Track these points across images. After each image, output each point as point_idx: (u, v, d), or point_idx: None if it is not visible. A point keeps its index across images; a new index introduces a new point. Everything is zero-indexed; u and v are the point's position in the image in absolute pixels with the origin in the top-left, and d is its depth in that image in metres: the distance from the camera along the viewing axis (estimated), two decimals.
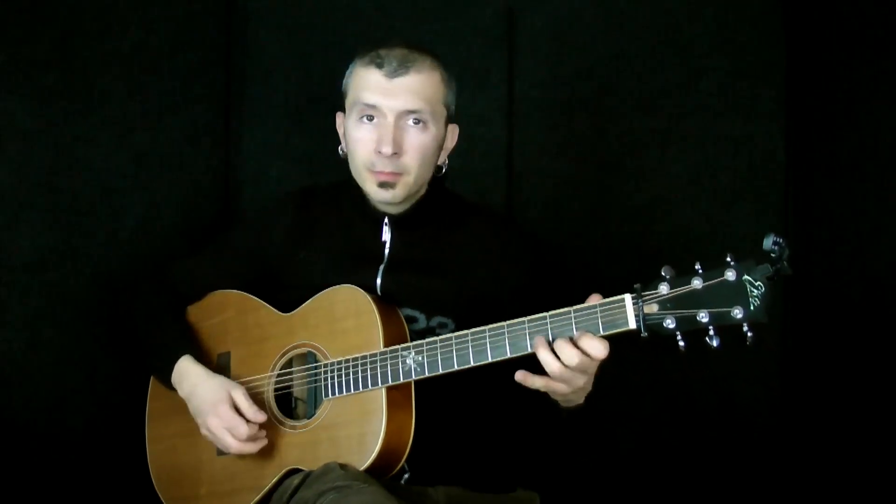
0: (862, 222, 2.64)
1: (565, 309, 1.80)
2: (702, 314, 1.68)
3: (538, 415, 2.03)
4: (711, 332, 1.69)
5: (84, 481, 2.43)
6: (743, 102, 2.81)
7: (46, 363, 2.39)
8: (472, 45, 2.84)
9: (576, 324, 1.79)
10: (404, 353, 1.94)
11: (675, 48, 2.82)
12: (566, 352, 1.78)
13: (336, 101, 2.21)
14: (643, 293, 1.73)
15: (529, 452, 2.04)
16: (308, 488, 1.91)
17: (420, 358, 1.92)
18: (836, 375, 2.66)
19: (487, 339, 1.86)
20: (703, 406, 2.79)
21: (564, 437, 2.21)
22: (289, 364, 2.12)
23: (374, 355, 1.97)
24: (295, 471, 2.02)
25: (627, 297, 1.74)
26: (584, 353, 1.77)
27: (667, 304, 1.71)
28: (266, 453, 2.08)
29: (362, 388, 1.97)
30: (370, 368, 1.96)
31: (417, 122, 2.07)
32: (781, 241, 1.64)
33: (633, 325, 1.73)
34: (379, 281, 2.10)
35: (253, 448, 2.06)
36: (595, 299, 1.80)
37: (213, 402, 2.07)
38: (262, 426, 2.06)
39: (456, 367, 1.89)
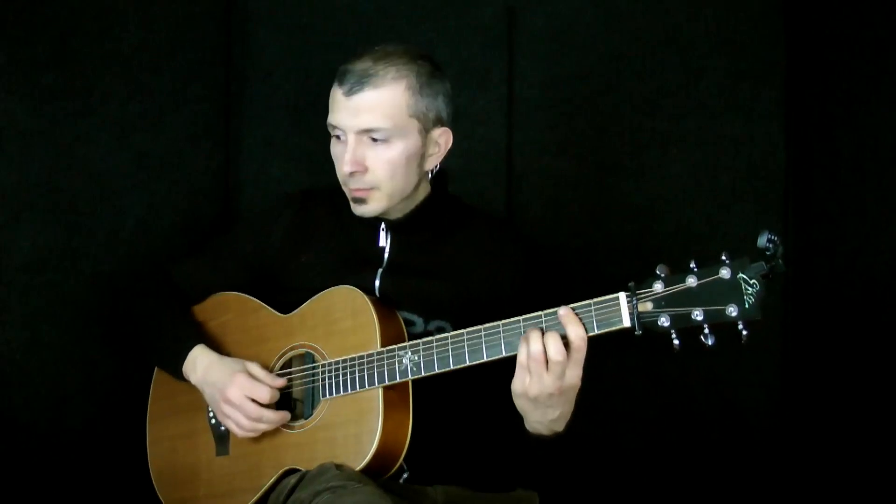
0: (862, 222, 2.64)
1: (560, 307, 1.80)
2: (696, 312, 1.68)
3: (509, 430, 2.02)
4: (706, 331, 1.69)
5: (84, 481, 2.44)
6: (743, 102, 2.81)
7: (46, 363, 2.39)
8: (472, 45, 2.84)
9: None
10: (401, 352, 1.94)
11: (675, 48, 2.82)
12: (552, 343, 1.78)
13: None
14: (637, 291, 1.73)
15: (528, 452, 2.03)
16: (304, 489, 1.91)
17: (416, 357, 1.92)
18: (835, 376, 2.66)
19: (483, 339, 1.86)
20: (703, 406, 2.79)
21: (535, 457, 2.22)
22: (288, 365, 2.12)
23: (371, 355, 1.97)
24: (292, 471, 2.02)
25: (622, 296, 1.74)
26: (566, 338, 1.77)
27: (661, 303, 1.71)
28: (264, 454, 2.08)
29: (359, 387, 1.97)
30: (367, 368, 1.96)
31: (377, 140, 2.05)
32: (776, 238, 1.64)
33: (627, 323, 1.74)
34: (377, 283, 2.10)
35: (273, 417, 2.04)
36: None
37: (231, 374, 2.07)
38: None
39: (452, 367, 1.89)
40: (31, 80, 2.37)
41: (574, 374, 1.80)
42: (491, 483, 2.12)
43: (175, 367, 2.16)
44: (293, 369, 2.11)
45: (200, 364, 2.13)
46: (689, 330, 1.70)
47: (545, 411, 1.86)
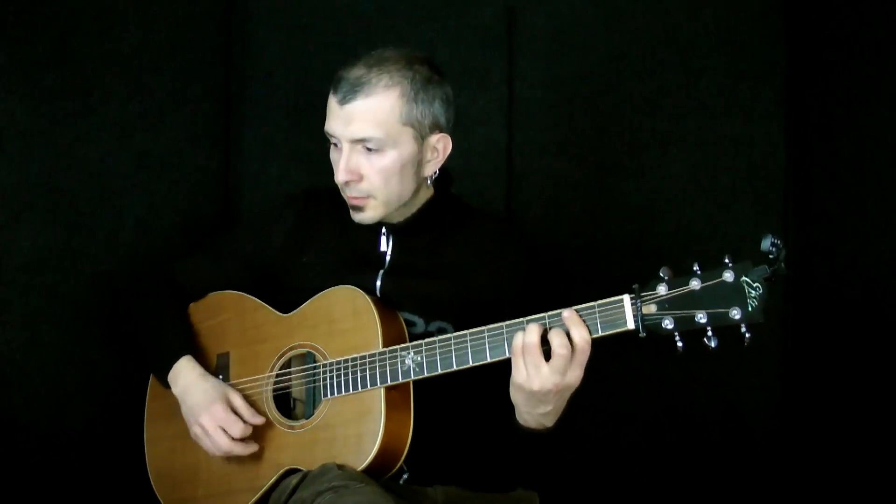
0: (862, 222, 2.64)
1: (564, 309, 1.80)
2: (700, 315, 1.70)
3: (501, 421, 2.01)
4: (709, 333, 1.70)
5: (83, 481, 2.44)
6: (743, 102, 2.81)
7: (46, 363, 2.39)
8: (472, 45, 2.84)
9: None
10: (403, 353, 1.94)
11: (675, 48, 2.82)
12: (556, 338, 1.78)
13: None
14: (641, 294, 1.74)
15: (518, 444, 2.03)
16: (305, 489, 1.91)
17: (419, 358, 1.92)
18: (836, 376, 2.66)
19: (486, 339, 1.86)
20: (703, 407, 2.79)
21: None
22: (288, 364, 2.12)
23: (373, 355, 1.97)
24: (293, 471, 2.01)
25: (626, 298, 1.75)
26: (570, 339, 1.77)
27: (665, 305, 1.72)
28: (264, 454, 2.08)
29: (361, 388, 1.97)
30: (369, 368, 1.96)
31: (371, 149, 2.04)
32: (779, 242, 1.65)
33: (631, 325, 1.74)
34: (378, 284, 2.10)
35: (243, 450, 2.06)
36: None
37: (208, 401, 2.07)
38: (260, 427, 2.07)
39: (455, 367, 1.89)
40: (31, 80, 2.37)
41: (575, 375, 1.80)
42: (491, 483, 2.12)
43: (161, 376, 2.17)
44: (293, 369, 2.11)
45: (182, 380, 2.13)
46: (692, 332, 1.71)
47: (537, 405, 1.86)
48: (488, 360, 1.86)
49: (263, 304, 2.18)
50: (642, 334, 1.74)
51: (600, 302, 1.78)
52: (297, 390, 2.11)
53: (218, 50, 2.83)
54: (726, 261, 1.69)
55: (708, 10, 2.82)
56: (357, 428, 1.96)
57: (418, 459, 2.01)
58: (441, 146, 2.10)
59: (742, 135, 2.80)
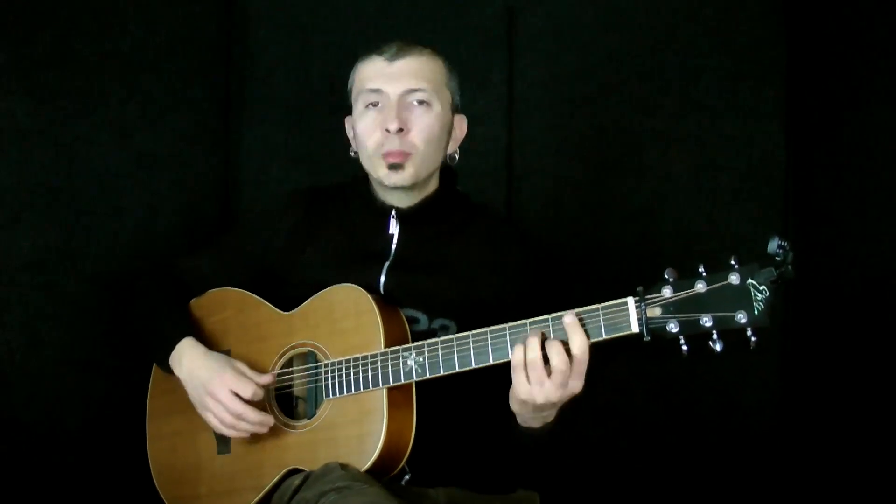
0: (862, 222, 2.65)
1: (567, 314, 1.79)
2: (705, 318, 1.67)
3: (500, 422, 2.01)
4: (714, 337, 1.68)
5: (84, 481, 2.44)
6: (743, 102, 2.81)
7: (46, 363, 2.39)
8: (472, 45, 2.84)
9: None
10: (405, 353, 1.93)
11: (675, 48, 2.82)
12: (555, 353, 1.77)
13: (335, 100, 2.22)
14: (646, 296, 1.72)
15: (518, 446, 2.03)
16: (309, 489, 1.90)
17: (421, 359, 1.92)
18: (836, 376, 2.67)
19: (489, 341, 1.85)
20: (704, 407, 2.80)
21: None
22: (289, 363, 2.11)
23: (375, 356, 1.96)
24: (295, 471, 2.01)
25: (630, 300, 1.73)
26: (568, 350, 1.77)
27: (670, 308, 1.70)
28: (266, 453, 2.07)
29: (363, 388, 1.96)
30: (371, 369, 1.96)
31: (421, 102, 2.10)
32: (786, 244, 1.63)
33: (635, 328, 1.72)
34: (382, 279, 2.10)
35: (255, 417, 2.03)
36: None
37: (217, 371, 2.06)
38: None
39: (457, 369, 1.88)
40: (31, 80, 2.37)
41: (576, 385, 1.79)
42: (492, 484, 2.12)
43: (162, 360, 2.14)
44: (294, 368, 2.11)
45: (186, 358, 2.11)
46: (697, 336, 1.68)
47: (539, 412, 1.87)
48: (490, 362, 1.85)
49: (265, 301, 2.18)
50: (647, 338, 1.72)
51: (604, 304, 1.76)
52: (299, 389, 2.11)
53: (218, 50, 2.83)
54: (732, 262, 1.66)
55: (708, 10, 2.82)
56: (359, 428, 1.96)
57: (420, 460, 2.00)
58: (460, 127, 2.22)
59: (742, 135, 2.81)
